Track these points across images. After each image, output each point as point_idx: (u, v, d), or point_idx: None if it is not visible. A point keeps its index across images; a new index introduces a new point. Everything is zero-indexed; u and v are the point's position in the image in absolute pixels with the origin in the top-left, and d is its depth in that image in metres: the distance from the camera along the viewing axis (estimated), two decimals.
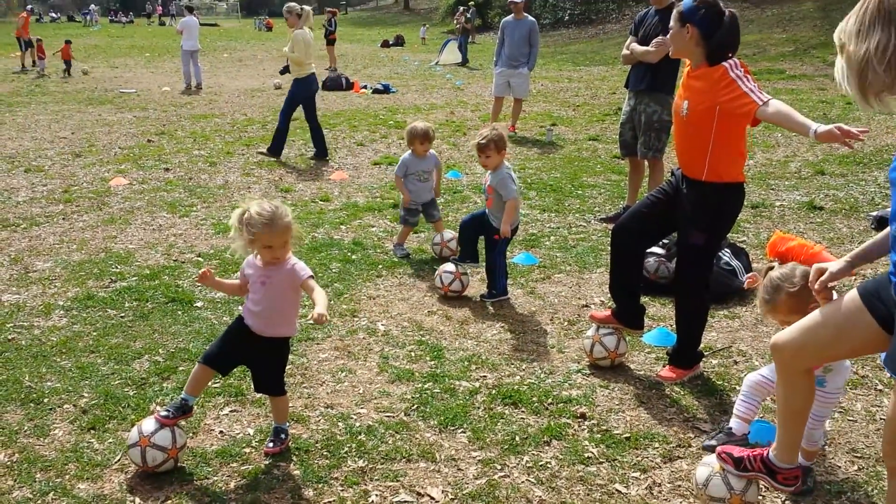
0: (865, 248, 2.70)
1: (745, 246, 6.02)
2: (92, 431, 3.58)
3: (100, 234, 6.69)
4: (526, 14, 11.51)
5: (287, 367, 4.18)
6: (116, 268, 5.82)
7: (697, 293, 4.08)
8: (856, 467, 3.33)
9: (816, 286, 2.72)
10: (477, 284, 5.51)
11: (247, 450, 3.44)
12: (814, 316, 2.68)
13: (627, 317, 4.29)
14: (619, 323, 4.28)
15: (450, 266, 5.34)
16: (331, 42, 23.68)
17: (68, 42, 22.26)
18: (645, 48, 6.52)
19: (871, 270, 5.73)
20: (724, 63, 3.72)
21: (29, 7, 26.98)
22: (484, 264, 5.36)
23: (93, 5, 63.09)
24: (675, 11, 3.88)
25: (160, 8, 70.94)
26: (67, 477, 3.23)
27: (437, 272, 5.41)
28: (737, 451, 2.98)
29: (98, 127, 12.55)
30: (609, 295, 5.16)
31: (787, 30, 24.94)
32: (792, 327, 2.76)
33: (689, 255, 4.01)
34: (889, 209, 7.19)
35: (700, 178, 3.84)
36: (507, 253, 6.11)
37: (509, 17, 11.56)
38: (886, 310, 2.45)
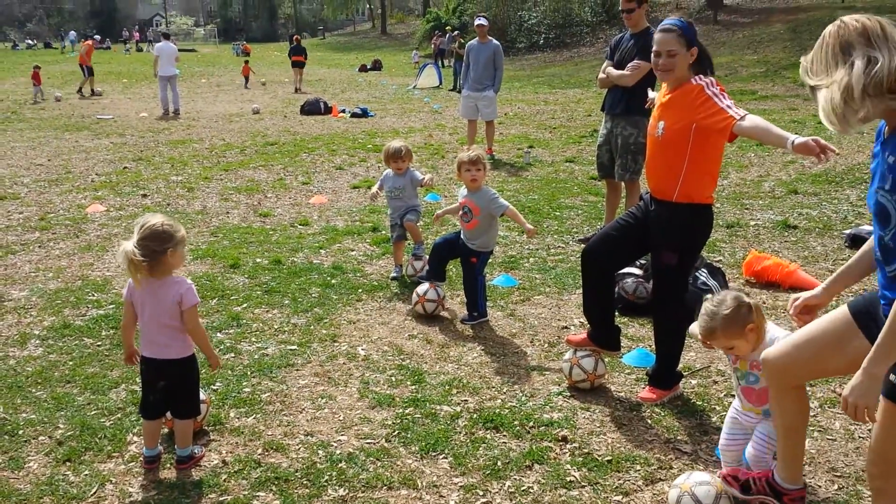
0: (840, 273, 2.74)
1: (721, 265, 6.07)
2: (68, 464, 3.52)
3: (76, 262, 6.63)
4: (490, 37, 11.61)
5: (266, 395, 4.18)
6: (93, 296, 5.76)
7: (675, 313, 4.10)
8: (836, 486, 3.35)
9: (791, 311, 2.79)
10: (455, 307, 5.51)
11: (225, 480, 3.40)
12: (805, 331, 2.69)
13: (603, 339, 4.30)
14: (595, 345, 4.29)
15: (441, 290, 5.44)
16: (294, 65, 26.27)
17: (37, 67, 22.48)
18: (621, 72, 6.59)
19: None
20: (701, 82, 3.77)
21: (97, 36, 27.92)
22: (460, 286, 5.39)
23: (72, 32, 63.10)
24: (674, 36, 3.78)
25: (137, 34, 70.90)
26: None
27: (425, 285, 5.45)
28: (742, 474, 2.99)
29: (75, 153, 12.47)
30: None
31: (758, 51, 25.36)
32: (783, 342, 2.78)
33: (664, 275, 4.03)
34: (862, 227, 7.26)
35: (670, 198, 3.87)
36: (487, 275, 6.13)
37: (474, 41, 11.66)
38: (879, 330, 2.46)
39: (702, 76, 3.82)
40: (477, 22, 11.67)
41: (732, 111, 3.62)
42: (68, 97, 22.36)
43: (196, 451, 3.55)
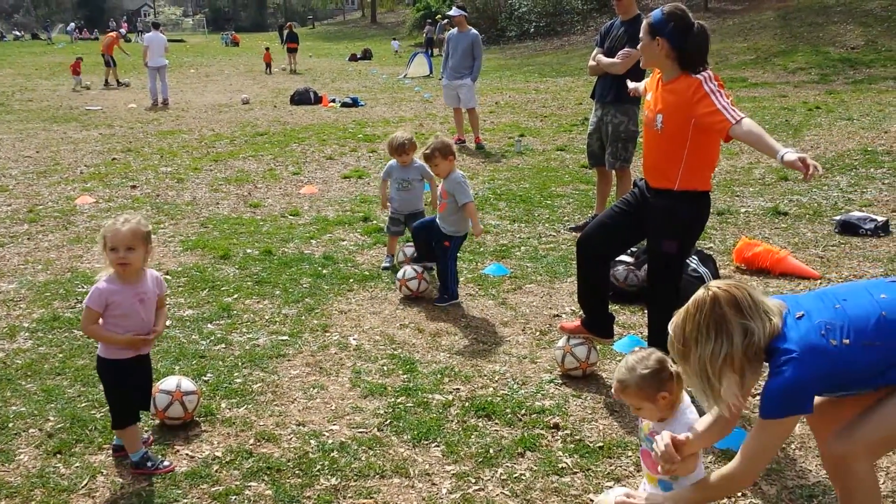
0: (704, 432, 2.76)
1: (711, 253, 6.08)
2: (58, 456, 3.51)
3: (65, 254, 6.59)
4: (469, 27, 11.62)
5: (257, 385, 4.17)
6: (83, 288, 5.73)
7: (669, 300, 4.10)
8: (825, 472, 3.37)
9: (663, 456, 2.71)
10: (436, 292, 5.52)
11: (217, 471, 3.39)
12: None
13: (597, 326, 4.30)
14: (588, 333, 4.30)
15: (417, 266, 5.57)
16: (289, 50, 29.96)
17: (79, 58, 23.69)
18: (611, 60, 6.58)
19: None
20: (699, 76, 3.74)
21: (122, 30, 28.81)
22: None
23: (72, 24, 63.49)
24: (644, 23, 3.90)
25: (126, 24, 70.44)
26: None
27: (402, 266, 5.67)
28: None
29: (63, 145, 12.38)
30: (578, 305, 5.19)
31: (749, 38, 25.35)
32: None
33: (661, 263, 4.03)
34: (852, 213, 7.27)
35: (672, 187, 3.87)
36: (479, 263, 6.14)
37: (453, 30, 11.71)
38: None
39: (701, 70, 3.80)
40: (450, 13, 11.67)
41: (729, 113, 3.60)
42: (58, 87, 22.20)
43: (158, 464, 3.39)
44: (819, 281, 5.68)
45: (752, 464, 2.59)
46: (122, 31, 28.23)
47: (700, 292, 2.56)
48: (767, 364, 2.52)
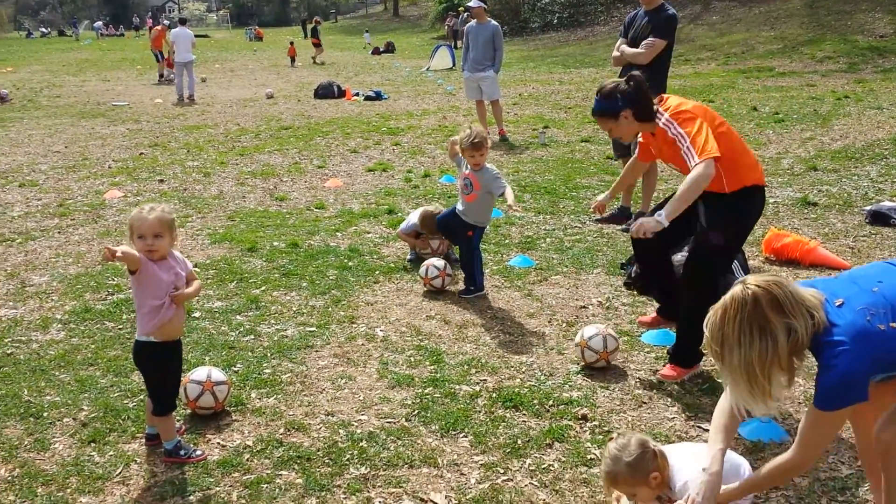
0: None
1: None
2: (92, 444, 3.57)
3: (96, 247, 6.68)
4: (489, 18, 11.56)
5: (286, 376, 4.20)
6: (113, 280, 5.81)
7: (703, 296, 4.03)
8: (859, 463, 3.33)
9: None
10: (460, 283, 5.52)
11: (248, 459, 3.43)
12: None
13: (673, 311, 4.29)
14: (666, 321, 4.37)
15: (439, 262, 5.50)
16: (314, 44, 32.04)
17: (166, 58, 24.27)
18: (635, 50, 6.53)
19: None
20: (662, 124, 3.86)
21: (165, 22, 29.33)
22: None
23: (99, 21, 64.46)
24: (600, 119, 4.06)
25: (150, 20, 71.10)
26: (69, 491, 3.22)
27: (424, 263, 5.56)
28: None
29: (91, 140, 12.53)
30: (605, 296, 5.19)
31: (775, 27, 25.02)
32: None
33: (704, 254, 3.93)
34: (883, 203, 7.15)
35: (723, 192, 3.85)
36: (504, 255, 6.14)
37: (472, 23, 11.64)
38: None
39: (659, 112, 3.89)
40: (470, 4, 11.63)
41: (689, 159, 3.68)
42: (84, 83, 22.46)
43: (191, 453, 3.44)
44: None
45: (811, 452, 2.59)
46: (166, 22, 28.30)
47: (737, 291, 2.48)
48: (815, 356, 2.50)
